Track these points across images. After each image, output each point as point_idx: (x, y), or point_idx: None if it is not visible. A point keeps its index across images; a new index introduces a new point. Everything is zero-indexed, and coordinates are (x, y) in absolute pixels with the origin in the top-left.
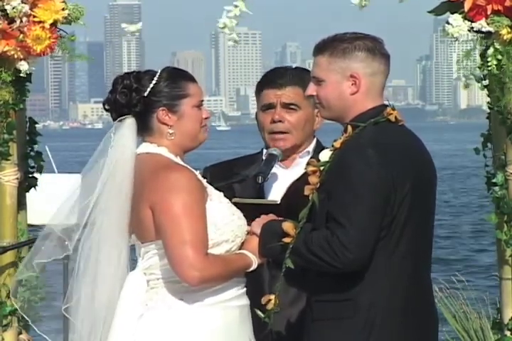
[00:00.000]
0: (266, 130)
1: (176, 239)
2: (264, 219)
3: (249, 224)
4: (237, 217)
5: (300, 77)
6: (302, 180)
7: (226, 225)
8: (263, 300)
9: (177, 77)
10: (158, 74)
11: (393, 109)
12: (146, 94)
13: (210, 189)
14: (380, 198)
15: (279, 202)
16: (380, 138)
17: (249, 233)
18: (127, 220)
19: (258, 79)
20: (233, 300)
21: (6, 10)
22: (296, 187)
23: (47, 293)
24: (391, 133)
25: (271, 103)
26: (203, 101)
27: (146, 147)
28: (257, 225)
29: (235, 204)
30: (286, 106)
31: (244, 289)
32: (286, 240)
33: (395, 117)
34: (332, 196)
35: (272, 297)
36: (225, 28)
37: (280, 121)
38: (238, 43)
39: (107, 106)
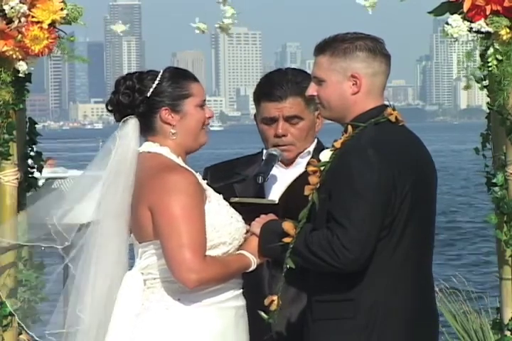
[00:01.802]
0: (270, 143)
1: (174, 242)
2: (263, 218)
3: (247, 224)
4: (236, 220)
5: (298, 84)
6: (301, 179)
7: (224, 227)
8: (266, 302)
9: (179, 77)
10: (160, 74)
11: (393, 109)
12: (148, 94)
13: (210, 191)
14: (381, 198)
15: (277, 202)
16: (380, 138)
17: (248, 232)
18: (127, 219)
19: (258, 79)
20: (229, 301)
21: (4, 10)
22: (294, 187)
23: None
24: (391, 133)
25: (272, 117)
26: (205, 100)
27: (149, 146)
28: (257, 225)
29: (234, 203)
30: (289, 119)
31: (241, 290)
32: (287, 240)
33: (396, 117)
34: (332, 196)
35: (275, 298)
36: (223, 29)
37: (284, 136)
38: (229, 33)
39: (109, 108)
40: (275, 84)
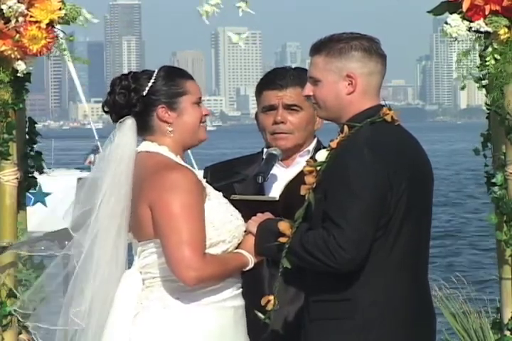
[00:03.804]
0: (268, 131)
1: (173, 239)
2: (260, 217)
3: (246, 221)
4: (235, 218)
5: (300, 77)
6: (300, 177)
7: (224, 225)
8: (262, 301)
9: (174, 75)
10: (155, 73)
11: (389, 109)
12: (144, 93)
13: (209, 189)
14: (377, 198)
15: (277, 199)
16: (376, 138)
17: (245, 231)
18: (127, 219)
19: (258, 79)
20: (228, 301)
21: (1, 9)
22: (294, 185)
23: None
24: (387, 133)
25: (272, 104)
26: (201, 98)
27: (147, 145)
28: (253, 224)
29: (234, 201)
30: (288, 107)
31: (240, 290)
32: (282, 240)
33: (392, 117)
34: (328, 196)
35: (271, 298)
36: (205, 15)
37: (282, 123)
38: (243, 40)
39: (106, 108)
40: (278, 74)
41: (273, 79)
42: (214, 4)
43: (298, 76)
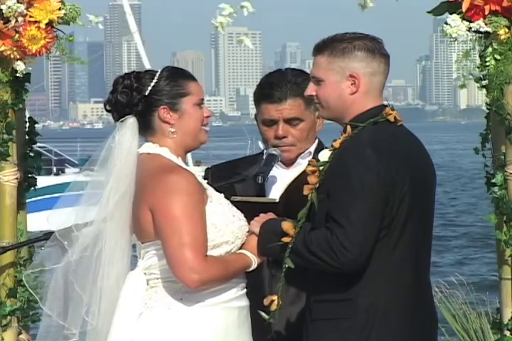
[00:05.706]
0: (270, 144)
1: (175, 242)
2: (263, 218)
3: (248, 223)
4: (238, 218)
5: (297, 85)
6: (301, 179)
7: (226, 226)
8: (265, 302)
9: (177, 76)
10: (158, 73)
11: (392, 109)
12: (147, 93)
13: (211, 190)
14: (379, 198)
15: (277, 201)
16: (379, 138)
17: (248, 232)
18: (129, 220)
19: (258, 79)
20: (233, 301)
21: (1, 9)
22: (294, 186)
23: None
24: (390, 133)
25: (272, 119)
26: (203, 99)
27: (148, 147)
28: (256, 224)
29: (234, 202)
30: (289, 121)
31: (245, 290)
32: (286, 240)
33: (394, 117)
34: (331, 196)
35: (275, 298)
36: (220, 27)
37: (284, 137)
38: (242, 43)
39: (108, 107)
40: (275, 86)
41: (270, 91)
42: (227, 14)
43: (295, 84)
